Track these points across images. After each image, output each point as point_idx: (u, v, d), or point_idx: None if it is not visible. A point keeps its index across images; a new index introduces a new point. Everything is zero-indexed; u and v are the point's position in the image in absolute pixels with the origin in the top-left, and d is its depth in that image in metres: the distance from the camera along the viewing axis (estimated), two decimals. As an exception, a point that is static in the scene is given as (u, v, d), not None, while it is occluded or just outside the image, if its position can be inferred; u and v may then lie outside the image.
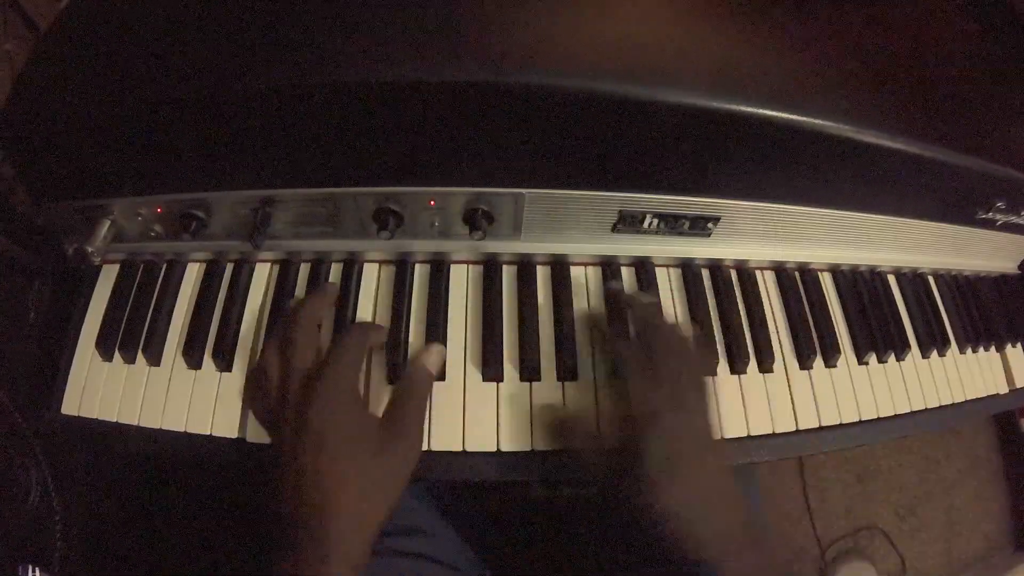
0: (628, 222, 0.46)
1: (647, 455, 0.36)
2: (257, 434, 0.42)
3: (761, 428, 0.46)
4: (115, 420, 0.43)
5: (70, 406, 0.44)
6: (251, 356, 0.45)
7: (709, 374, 0.45)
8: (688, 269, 0.50)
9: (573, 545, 0.56)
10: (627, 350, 0.41)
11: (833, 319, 0.52)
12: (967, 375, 0.56)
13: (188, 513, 0.83)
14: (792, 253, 0.52)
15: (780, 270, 0.53)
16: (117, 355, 0.45)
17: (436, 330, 0.45)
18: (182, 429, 0.43)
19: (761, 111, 0.39)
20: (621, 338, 0.45)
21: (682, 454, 0.37)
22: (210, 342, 0.45)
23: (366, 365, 0.44)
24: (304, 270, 0.48)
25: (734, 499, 0.38)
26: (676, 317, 0.49)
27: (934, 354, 0.55)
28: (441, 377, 0.44)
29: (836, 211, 0.49)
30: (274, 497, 0.37)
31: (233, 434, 0.42)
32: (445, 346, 0.45)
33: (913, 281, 0.58)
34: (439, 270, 0.47)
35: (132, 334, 0.45)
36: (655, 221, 0.46)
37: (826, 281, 0.54)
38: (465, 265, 0.49)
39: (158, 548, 0.79)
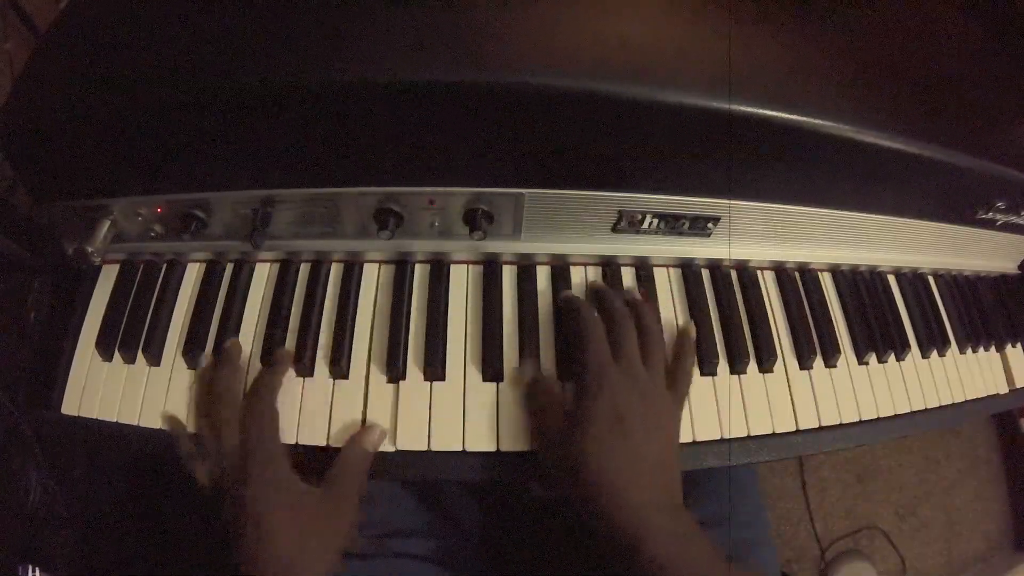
0: (628, 222, 0.46)
1: (592, 413, 0.38)
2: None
3: (761, 428, 0.46)
4: (115, 420, 0.43)
5: (70, 406, 0.44)
6: (251, 356, 0.45)
7: (685, 374, 0.44)
8: (688, 269, 0.50)
9: (568, 545, 0.56)
10: (591, 316, 0.43)
11: (833, 319, 0.52)
12: (967, 375, 0.56)
13: (188, 513, 0.83)
14: (792, 253, 0.52)
15: (780, 270, 0.53)
16: (117, 355, 0.45)
17: (436, 330, 0.45)
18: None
19: (761, 111, 0.39)
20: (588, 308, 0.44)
21: (624, 419, 0.38)
22: (210, 342, 0.45)
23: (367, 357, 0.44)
24: (304, 270, 0.48)
25: (670, 478, 0.39)
26: (676, 317, 0.49)
27: (934, 354, 0.55)
28: (441, 377, 0.44)
29: (836, 211, 0.49)
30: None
31: (233, 434, 0.42)
32: (446, 346, 0.45)
33: (913, 281, 0.58)
34: (439, 270, 0.47)
35: (132, 334, 0.45)
36: (655, 221, 0.46)
37: (826, 281, 0.54)
38: (465, 265, 0.49)
39: (158, 548, 0.79)
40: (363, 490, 0.41)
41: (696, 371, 0.47)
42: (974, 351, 0.58)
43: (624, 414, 0.38)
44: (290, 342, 0.45)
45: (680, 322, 0.48)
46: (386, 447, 0.42)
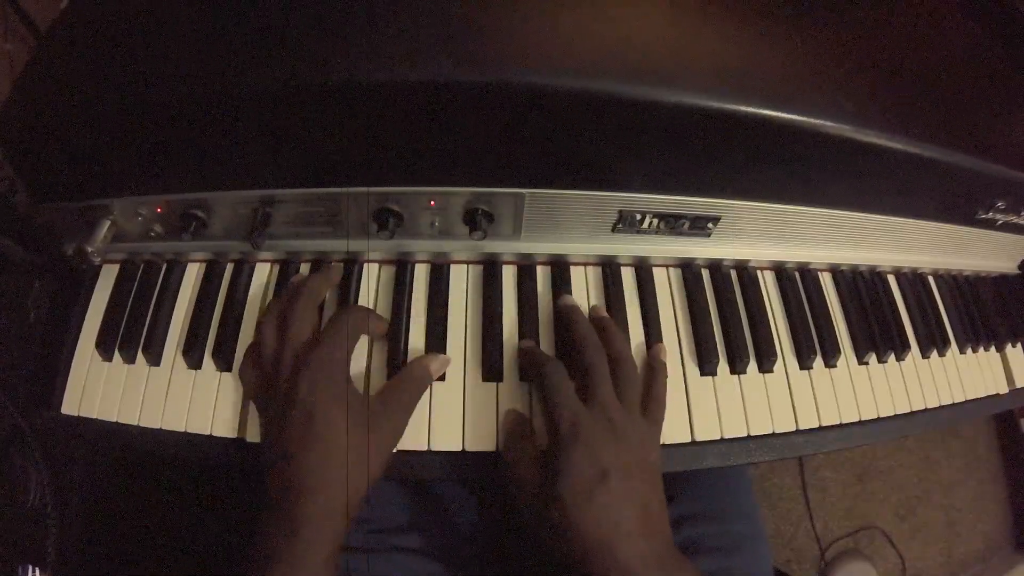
0: (628, 222, 0.46)
1: (570, 467, 0.36)
2: (257, 434, 0.42)
3: (761, 428, 0.46)
4: (115, 420, 0.43)
5: (70, 406, 0.44)
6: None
7: (656, 399, 0.42)
8: (688, 269, 0.50)
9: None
10: (551, 364, 0.40)
11: (833, 319, 0.52)
12: (967, 375, 0.56)
13: (187, 513, 0.83)
14: (792, 253, 0.52)
15: (780, 270, 0.53)
16: (117, 355, 0.45)
17: (436, 330, 0.45)
18: (182, 429, 0.42)
19: (761, 111, 0.39)
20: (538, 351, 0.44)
21: (607, 472, 0.36)
22: (210, 342, 0.45)
23: (368, 360, 0.44)
24: (304, 270, 0.48)
25: (652, 528, 0.37)
26: (676, 317, 0.49)
27: (934, 354, 0.55)
28: (441, 377, 0.44)
29: (836, 211, 0.49)
30: (261, 479, 0.37)
31: (233, 434, 0.42)
32: (446, 346, 0.45)
33: (913, 281, 0.58)
34: (439, 270, 0.47)
35: (132, 334, 0.45)
36: (655, 221, 0.46)
37: (826, 281, 0.54)
38: (465, 265, 0.49)
39: (157, 548, 0.79)
40: (412, 409, 0.41)
41: (696, 371, 0.47)
42: (974, 351, 0.58)
43: (605, 466, 0.36)
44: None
45: (680, 323, 0.48)
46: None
